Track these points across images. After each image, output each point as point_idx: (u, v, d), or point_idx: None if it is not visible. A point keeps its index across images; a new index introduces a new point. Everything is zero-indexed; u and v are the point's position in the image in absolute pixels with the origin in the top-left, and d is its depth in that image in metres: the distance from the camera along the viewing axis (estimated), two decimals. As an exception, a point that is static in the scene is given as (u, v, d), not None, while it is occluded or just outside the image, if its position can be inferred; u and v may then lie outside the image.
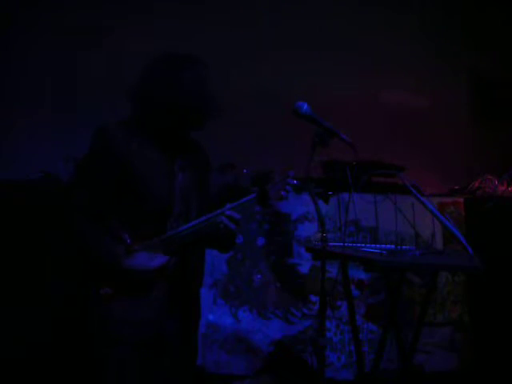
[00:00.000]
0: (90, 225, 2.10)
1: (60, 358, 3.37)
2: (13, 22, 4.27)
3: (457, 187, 4.47)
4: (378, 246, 3.11)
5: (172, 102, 2.13)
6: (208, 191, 2.34)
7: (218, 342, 3.79)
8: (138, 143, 2.15)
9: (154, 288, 2.15)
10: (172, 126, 2.17)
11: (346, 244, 3.10)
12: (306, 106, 2.30)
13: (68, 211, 2.13)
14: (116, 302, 2.10)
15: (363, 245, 3.16)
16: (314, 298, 3.90)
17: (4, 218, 3.54)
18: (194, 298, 2.32)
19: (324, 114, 2.32)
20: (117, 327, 2.10)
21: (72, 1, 4.39)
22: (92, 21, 4.36)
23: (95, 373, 2.13)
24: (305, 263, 3.94)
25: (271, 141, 4.40)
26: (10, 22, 4.25)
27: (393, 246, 3.06)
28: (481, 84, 5.18)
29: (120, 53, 4.30)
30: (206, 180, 2.36)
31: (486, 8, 5.03)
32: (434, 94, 5.05)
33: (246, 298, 3.88)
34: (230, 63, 4.41)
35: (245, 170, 3.76)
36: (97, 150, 2.14)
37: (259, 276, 3.91)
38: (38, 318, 3.46)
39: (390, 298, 3.34)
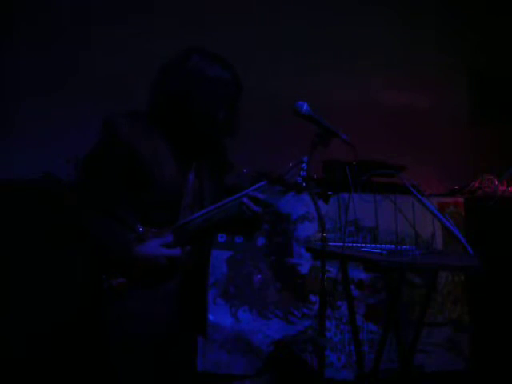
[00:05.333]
0: (98, 220, 2.07)
1: (71, 354, 3.38)
2: (12, 21, 4.27)
3: (457, 187, 4.47)
4: (378, 246, 3.11)
5: (195, 100, 2.09)
6: (223, 185, 2.32)
7: (218, 341, 3.79)
8: (147, 132, 2.11)
9: (167, 280, 2.13)
10: (187, 125, 2.13)
11: (345, 244, 3.10)
12: (306, 106, 2.30)
13: (74, 209, 2.11)
14: (129, 295, 2.08)
15: (363, 245, 3.15)
16: (313, 298, 3.90)
17: (4, 217, 3.55)
18: (205, 295, 2.29)
19: (324, 114, 2.32)
20: (129, 322, 2.09)
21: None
22: (92, 19, 4.37)
23: (107, 369, 2.12)
24: (305, 263, 3.94)
25: (271, 141, 4.40)
26: (10, 20, 4.25)
27: (393, 246, 3.06)
28: (481, 84, 5.18)
29: (120, 52, 4.30)
30: (222, 175, 2.33)
31: (487, 8, 5.03)
32: (434, 94, 5.06)
33: (246, 298, 3.88)
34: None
35: (245, 170, 3.76)
36: (103, 140, 2.10)
37: (259, 276, 3.91)
38: (48, 317, 3.47)
39: (390, 298, 3.33)
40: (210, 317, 3.77)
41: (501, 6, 5.01)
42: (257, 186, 2.18)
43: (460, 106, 5.14)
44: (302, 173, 2.19)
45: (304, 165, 2.20)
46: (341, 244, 3.06)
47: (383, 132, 4.72)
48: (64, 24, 4.31)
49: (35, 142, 4.17)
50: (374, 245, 3.14)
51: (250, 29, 4.61)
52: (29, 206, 3.58)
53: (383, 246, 3.11)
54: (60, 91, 4.25)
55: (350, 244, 3.19)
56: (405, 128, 4.81)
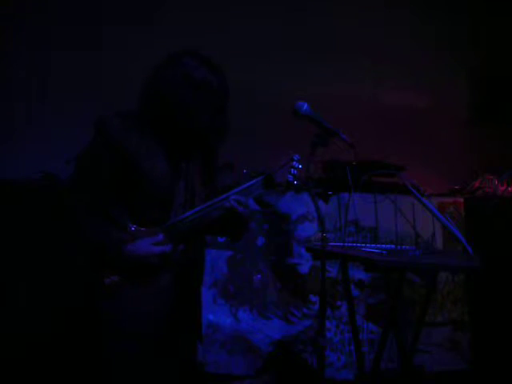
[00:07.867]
0: (90, 219, 2.09)
1: (66, 353, 3.39)
2: (13, 22, 4.27)
3: (457, 187, 4.48)
4: (377, 245, 3.11)
5: (180, 102, 2.11)
6: (216, 185, 2.33)
7: (218, 341, 3.79)
8: (138, 131, 2.13)
9: (160, 278, 2.13)
10: (177, 126, 2.14)
11: (345, 244, 3.10)
12: (305, 106, 2.30)
13: (68, 210, 2.12)
14: (123, 292, 2.09)
15: (363, 245, 3.16)
16: (313, 298, 3.90)
17: (3, 217, 3.55)
18: (198, 294, 2.30)
19: (324, 114, 2.32)
20: (124, 320, 2.10)
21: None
22: (92, 20, 4.37)
23: (102, 368, 2.13)
24: (305, 263, 3.94)
25: (271, 141, 4.39)
26: (12, 21, 4.25)
27: (393, 246, 3.06)
28: (481, 84, 5.18)
29: (120, 52, 4.30)
30: (213, 173, 2.34)
31: (487, 8, 5.03)
32: (434, 93, 5.06)
33: (246, 298, 3.88)
34: (230, 63, 4.40)
35: (244, 170, 3.75)
36: (95, 139, 2.13)
37: (259, 276, 3.91)
38: (42, 315, 3.48)
39: (390, 297, 3.34)
40: (210, 316, 3.77)
41: (501, 6, 5.01)
42: (244, 186, 2.19)
43: (460, 105, 5.15)
44: (292, 171, 2.19)
45: (295, 163, 2.19)
46: (341, 244, 3.06)
47: (383, 132, 4.72)
48: (63, 25, 4.31)
49: (35, 142, 4.17)
50: (374, 245, 3.15)
51: (250, 28, 4.60)
52: (28, 206, 3.58)
53: (383, 245, 3.11)
54: (60, 91, 4.25)
55: (350, 244, 3.19)
56: (405, 128, 4.81)
